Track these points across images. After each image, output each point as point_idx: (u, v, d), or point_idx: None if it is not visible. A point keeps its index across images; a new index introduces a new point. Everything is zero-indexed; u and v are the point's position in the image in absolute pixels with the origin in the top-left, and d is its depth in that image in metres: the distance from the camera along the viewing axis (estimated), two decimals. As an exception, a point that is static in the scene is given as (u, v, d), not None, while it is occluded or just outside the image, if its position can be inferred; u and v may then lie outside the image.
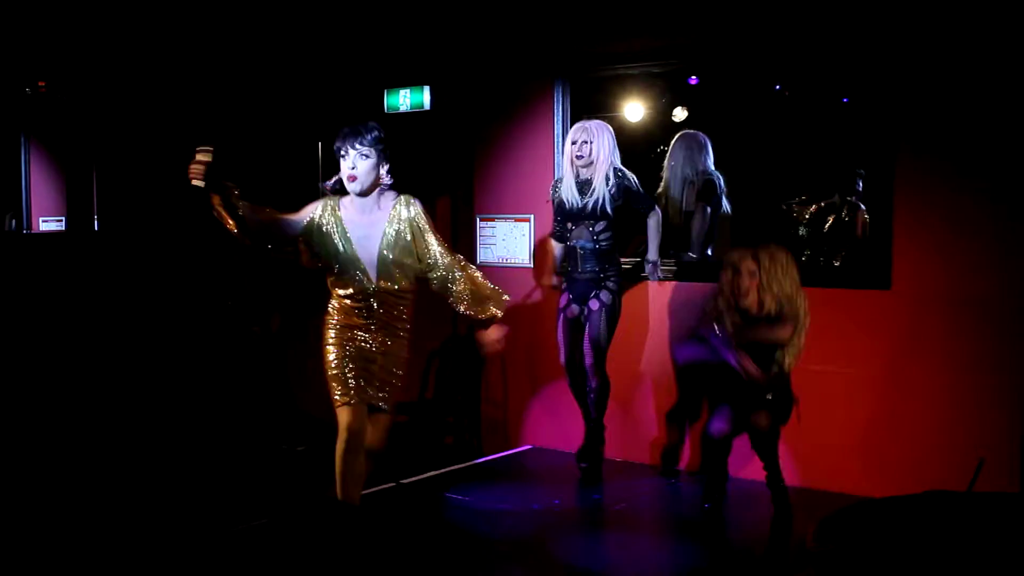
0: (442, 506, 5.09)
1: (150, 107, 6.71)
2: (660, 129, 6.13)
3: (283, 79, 7.02)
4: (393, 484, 5.34)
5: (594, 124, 5.32)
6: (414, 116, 6.76)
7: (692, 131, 5.65)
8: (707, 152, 5.64)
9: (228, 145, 6.91)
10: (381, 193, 4.11)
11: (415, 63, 6.74)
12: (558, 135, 6.07)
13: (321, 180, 6.91)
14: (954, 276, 4.88)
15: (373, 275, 4.06)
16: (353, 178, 4.03)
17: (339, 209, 4.10)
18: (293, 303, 6.84)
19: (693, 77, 5.83)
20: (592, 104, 6.08)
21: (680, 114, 5.97)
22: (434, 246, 4.08)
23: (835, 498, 4.77)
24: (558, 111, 6.11)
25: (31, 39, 6.37)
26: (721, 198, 5.79)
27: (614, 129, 5.48)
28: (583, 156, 5.25)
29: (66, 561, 4.28)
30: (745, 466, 5.39)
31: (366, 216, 4.09)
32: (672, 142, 5.58)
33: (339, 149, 4.09)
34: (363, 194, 4.06)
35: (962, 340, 4.87)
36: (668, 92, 6.00)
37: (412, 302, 4.16)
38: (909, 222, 4.97)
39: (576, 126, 5.37)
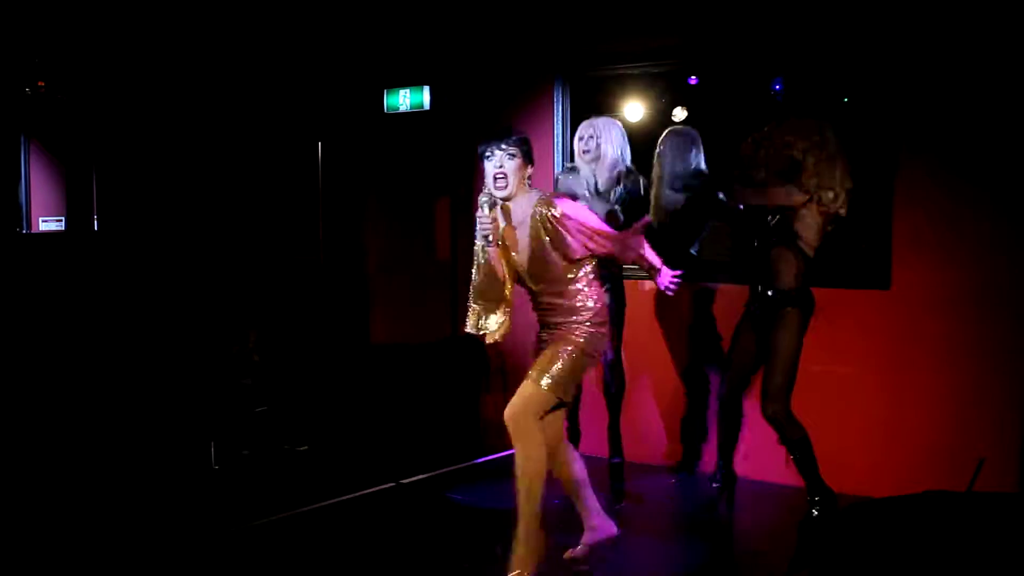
0: (442, 506, 5.09)
1: (150, 107, 6.70)
2: (660, 129, 6.12)
3: (283, 79, 7.01)
4: (393, 484, 5.35)
5: (601, 120, 5.30)
6: (414, 116, 6.75)
7: (683, 127, 5.60)
8: (698, 149, 5.57)
9: (228, 145, 6.94)
10: (527, 197, 4.00)
11: (415, 63, 6.73)
12: (558, 135, 6.07)
13: (321, 180, 6.92)
14: (954, 276, 4.88)
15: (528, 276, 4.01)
16: (503, 177, 3.92)
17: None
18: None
19: (693, 77, 5.83)
20: (592, 104, 6.07)
21: (680, 114, 5.95)
22: (574, 242, 3.92)
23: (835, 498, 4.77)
24: (558, 111, 6.11)
25: (31, 39, 6.36)
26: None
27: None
28: (589, 151, 5.24)
29: (67, 561, 4.28)
30: (746, 465, 5.39)
31: (517, 219, 4.01)
32: (661, 138, 5.53)
33: (484, 151, 3.96)
34: (509, 197, 3.97)
35: (962, 340, 4.87)
36: (668, 92, 5.99)
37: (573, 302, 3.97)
38: (909, 222, 4.98)
39: (584, 123, 5.35)
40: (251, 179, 7.01)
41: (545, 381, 3.87)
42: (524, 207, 3.97)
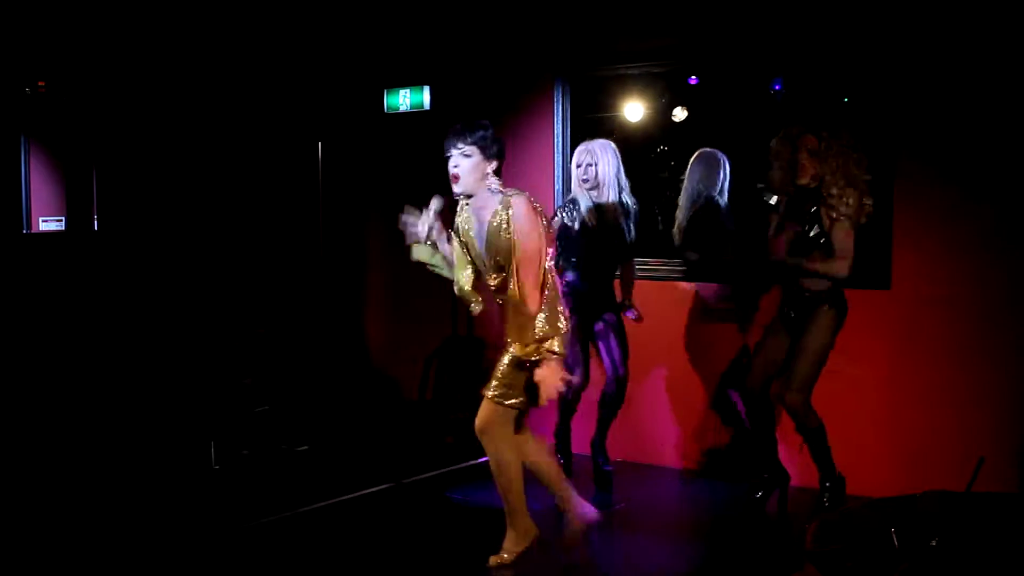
0: (442, 506, 5.09)
1: (150, 107, 6.71)
2: (660, 129, 6.13)
3: (283, 79, 7.02)
4: (393, 484, 5.35)
5: (597, 145, 5.27)
6: (414, 116, 6.75)
7: (711, 149, 5.62)
8: (723, 171, 5.60)
9: (228, 145, 6.94)
10: (491, 193, 3.96)
11: (415, 63, 6.74)
12: (558, 135, 6.07)
13: (321, 180, 6.92)
14: (954, 276, 4.89)
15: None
16: (455, 178, 3.98)
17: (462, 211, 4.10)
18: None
19: (693, 77, 5.84)
20: (592, 104, 6.08)
21: (680, 114, 5.96)
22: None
23: (835, 498, 4.77)
24: (558, 111, 6.10)
25: (31, 39, 6.36)
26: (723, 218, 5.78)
27: (613, 129, 5.48)
28: (588, 179, 5.22)
29: (67, 561, 4.28)
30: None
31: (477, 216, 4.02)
32: (691, 160, 5.58)
33: (445, 149, 4.00)
34: (468, 196, 4.01)
35: (961, 340, 4.87)
36: (668, 92, 6.00)
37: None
38: (909, 222, 4.98)
39: (579, 148, 5.32)
40: (251, 179, 7.01)
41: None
42: (487, 204, 3.96)
